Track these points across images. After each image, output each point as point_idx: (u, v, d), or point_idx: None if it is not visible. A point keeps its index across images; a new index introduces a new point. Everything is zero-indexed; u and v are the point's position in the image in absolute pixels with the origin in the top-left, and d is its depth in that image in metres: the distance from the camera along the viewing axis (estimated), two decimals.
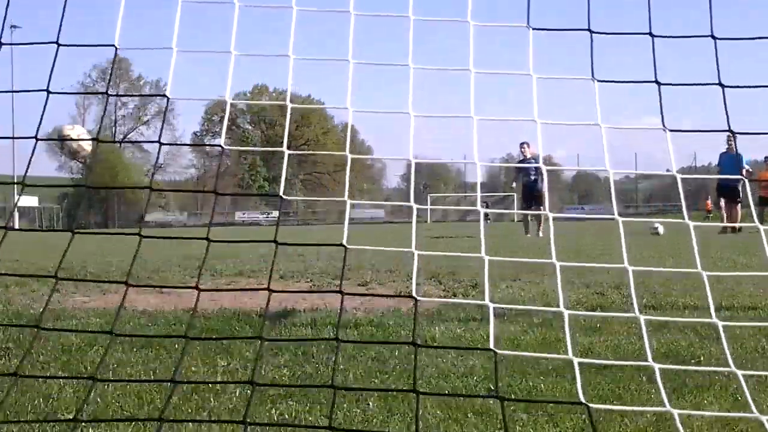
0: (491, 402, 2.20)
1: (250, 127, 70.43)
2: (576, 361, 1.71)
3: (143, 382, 2.45)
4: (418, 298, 1.82)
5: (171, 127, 63.23)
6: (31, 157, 2.06)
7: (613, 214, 2.04)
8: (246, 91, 69.43)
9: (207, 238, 1.83)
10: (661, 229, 13.68)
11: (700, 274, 1.88)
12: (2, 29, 2.05)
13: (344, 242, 1.81)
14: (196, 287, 1.78)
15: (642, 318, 1.81)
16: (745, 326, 3.14)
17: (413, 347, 1.66)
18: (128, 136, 68.90)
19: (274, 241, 1.86)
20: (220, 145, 2.17)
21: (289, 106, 2.12)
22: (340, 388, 2.08)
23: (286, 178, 2.28)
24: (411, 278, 5.79)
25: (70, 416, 2.07)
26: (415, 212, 1.94)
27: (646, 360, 1.82)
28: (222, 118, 66.71)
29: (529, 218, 15.10)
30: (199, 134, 71.25)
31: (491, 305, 1.78)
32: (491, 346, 1.75)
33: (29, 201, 48.78)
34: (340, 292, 1.80)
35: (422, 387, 2.37)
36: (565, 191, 58.11)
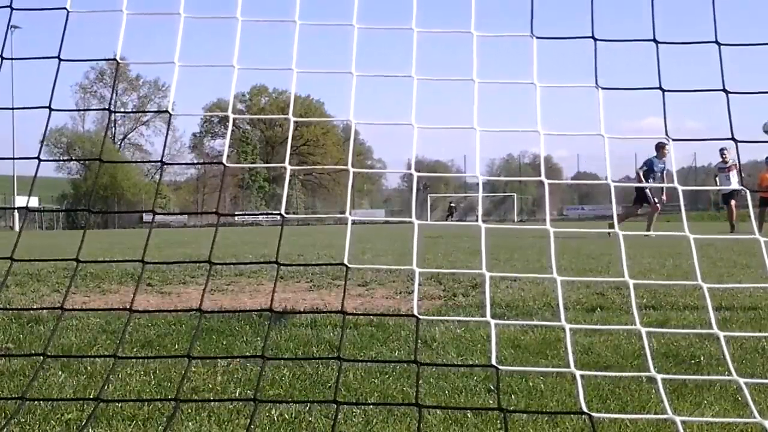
0: (491, 402, 2.20)
1: (249, 127, 70.43)
2: (578, 374, 1.71)
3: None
4: (420, 317, 1.81)
5: (171, 127, 63.21)
6: (34, 179, 2.06)
7: (613, 215, 2.05)
8: (245, 92, 69.46)
9: (209, 261, 1.82)
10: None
11: (701, 273, 1.88)
12: (3, 46, 2.05)
13: (345, 261, 1.80)
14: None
15: (643, 330, 1.82)
16: (746, 336, 3.14)
17: (415, 345, 1.66)
18: (128, 136, 68.91)
19: (276, 262, 1.85)
20: (222, 163, 2.15)
21: (292, 119, 2.11)
22: (342, 403, 2.08)
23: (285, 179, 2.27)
24: (410, 278, 5.79)
25: (70, 416, 2.07)
26: (416, 228, 1.92)
27: (647, 359, 1.82)
28: (221, 119, 66.69)
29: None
30: (198, 135, 71.27)
31: (493, 322, 1.77)
32: (493, 361, 1.74)
33: (30, 201, 48.58)
34: (342, 312, 1.79)
35: (422, 387, 2.37)
36: (565, 191, 58.13)
